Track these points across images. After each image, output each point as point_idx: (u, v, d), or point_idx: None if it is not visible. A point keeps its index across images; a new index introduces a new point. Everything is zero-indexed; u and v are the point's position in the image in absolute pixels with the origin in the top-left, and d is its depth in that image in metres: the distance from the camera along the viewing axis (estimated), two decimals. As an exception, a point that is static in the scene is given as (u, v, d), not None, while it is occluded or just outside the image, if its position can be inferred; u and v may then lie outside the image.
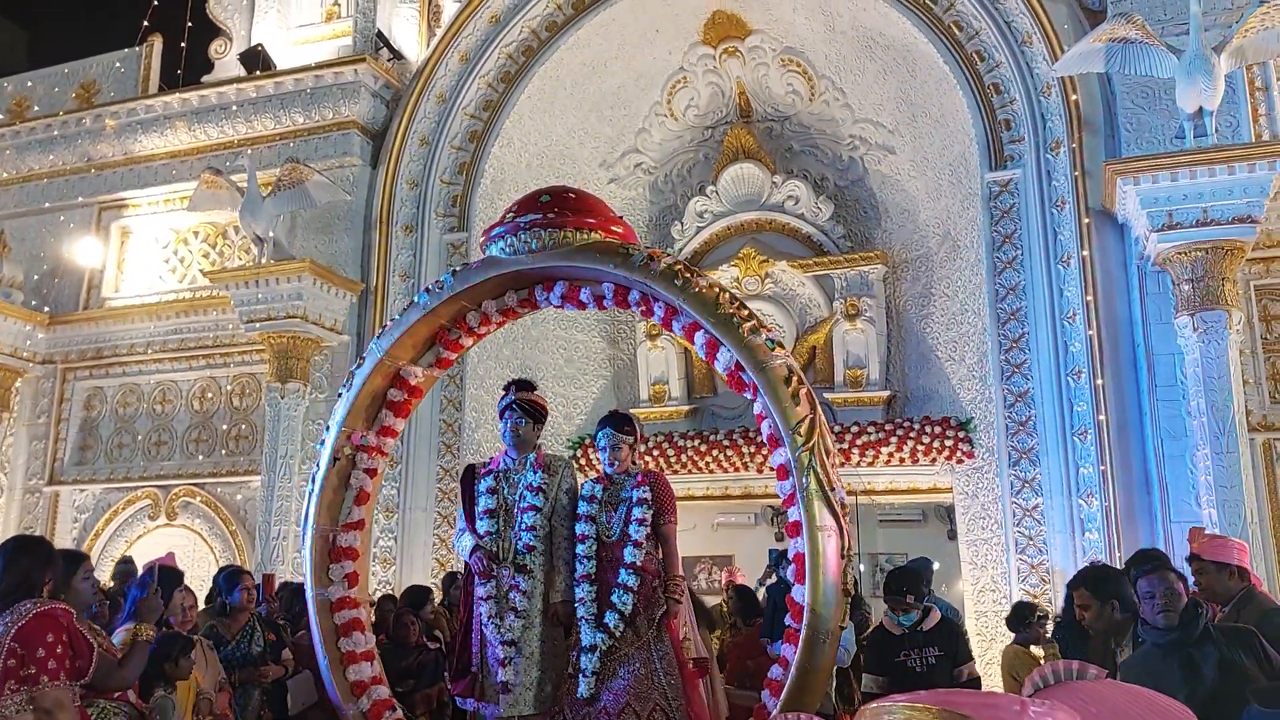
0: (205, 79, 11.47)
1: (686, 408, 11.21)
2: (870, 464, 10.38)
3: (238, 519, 10.35)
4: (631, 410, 8.00)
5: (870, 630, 6.46)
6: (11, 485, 11.32)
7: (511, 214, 5.18)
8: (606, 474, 4.99)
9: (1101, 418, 7.76)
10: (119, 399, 11.25)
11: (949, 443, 9.72)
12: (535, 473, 5.02)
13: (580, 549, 4.82)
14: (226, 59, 11.60)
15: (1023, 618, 6.87)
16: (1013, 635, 6.75)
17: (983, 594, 9.32)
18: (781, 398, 4.54)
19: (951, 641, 5.71)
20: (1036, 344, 8.41)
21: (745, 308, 4.84)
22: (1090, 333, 7.90)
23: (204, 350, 10.90)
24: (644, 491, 4.83)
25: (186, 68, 11.67)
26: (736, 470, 10.66)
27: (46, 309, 11.43)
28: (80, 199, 11.73)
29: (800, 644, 4.40)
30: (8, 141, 11.93)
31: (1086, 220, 8.07)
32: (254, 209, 9.80)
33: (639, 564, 4.69)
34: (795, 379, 4.61)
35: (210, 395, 10.87)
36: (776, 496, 10.68)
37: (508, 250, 5.12)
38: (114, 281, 11.58)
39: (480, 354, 10.39)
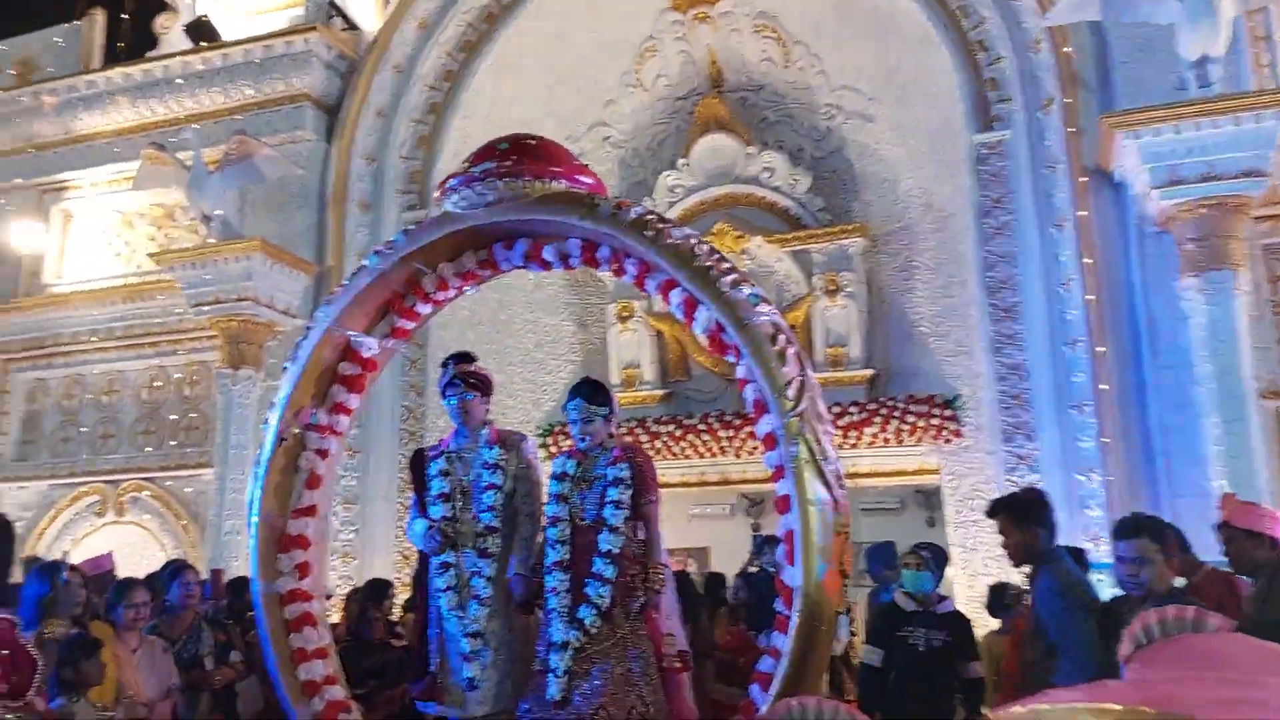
0: (150, 54, 10.86)
1: (660, 392, 10.73)
2: (853, 446, 9.95)
3: (189, 513, 9.79)
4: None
5: (880, 604, 6.08)
6: (-48, 483, 10.70)
7: (467, 164, 4.69)
8: (579, 449, 4.50)
9: (1103, 387, 7.36)
10: (63, 391, 10.66)
11: (935, 421, 9.31)
12: (490, 449, 4.56)
13: (551, 533, 4.33)
14: (172, 34, 11.02)
15: (1000, 600, 6.50)
16: (998, 624, 6.35)
17: (975, 579, 8.92)
18: (766, 358, 4.09)
19: (961, 633, 5.32)
20: (1030, 313, 8.02)
21: (725, 260, 4.38)
22: (1089, 298, 7.49)
23: (152, 338, 10.32)
24: (621, 469, 4.35)
25: (130, 43, 11.10)
26: (714, 455, 10.21)
27: (-16, 297, 10.82)
28: (19, 180, 11.12)
29: (792, 631, 3.95)
30: (-59, 122, 11.30)
31: (1083, 180, 7.66)
32: (200, 185, 9.24)
33: (615, 551, 4.20)
34: (782, 337, 4.16)
35: (159, 385, 10.29)
36: (757, 482, 10.46)
37: (463, 204, 4.64)
38: (56, 267, 10.98)
39: (444, 337, 9.87)
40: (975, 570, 8.93)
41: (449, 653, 4.40)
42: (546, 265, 4.77)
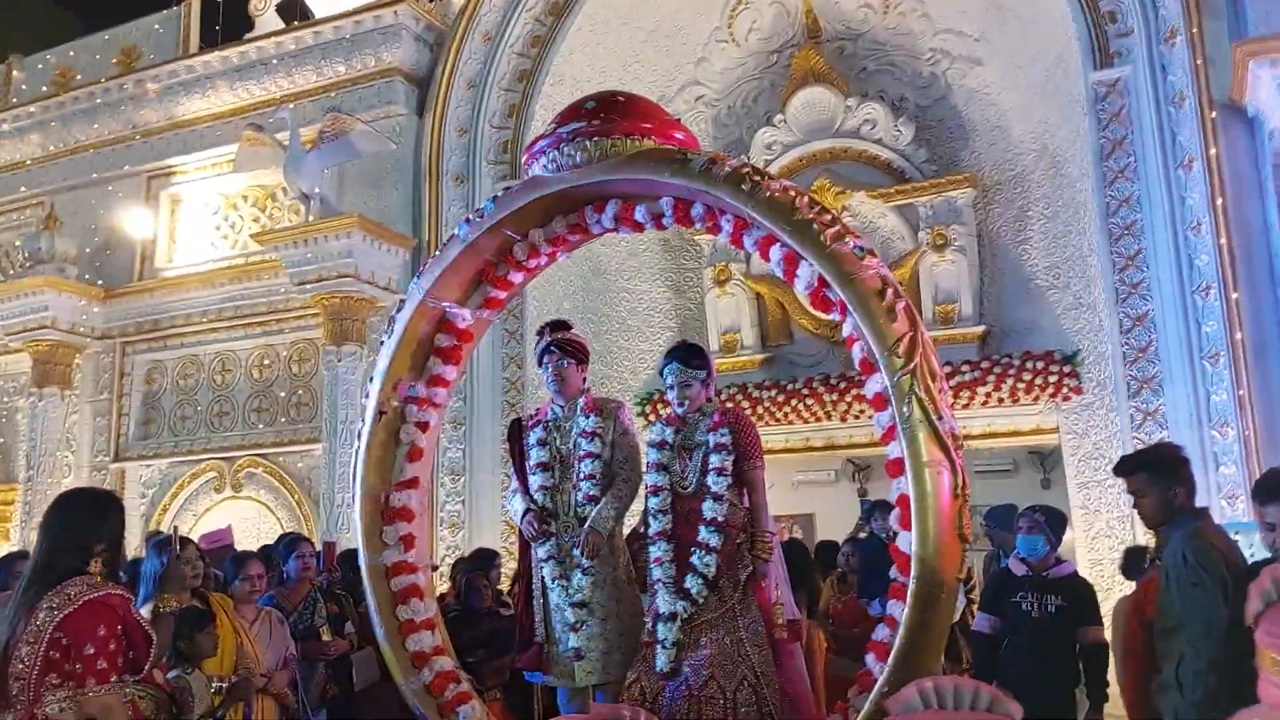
0: (246, 36, 11.00)
1: (760, 357, 10.47)
2: (965, 406, 9.57)
3: (302, 488, 9.99)
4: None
5: (993, 571, 5.83)
6: (79, 464, 11.13)
7: (554, 125, 4.54)
8: (677, 415, 4.35)
9: (1238, 336, 6.87)
10: (179, 371, 10.95)
11: (1053, 379, 8.88)
12: (588, 417, 4.44)
13: (653, 502, 4.20)
14: (265, 16, 11.12)
15: (1136, 563, 6.16)
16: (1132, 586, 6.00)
17: (1097, 540, 8.52)
18: (874, 313, 3.85)
19: (1079, 598, 5.03)
20: (1155, 260, 7.51)
21: (827, 212, 4.15)
22: (1221, 241, 6.98)
23: (259, 317, 10.51)
24: (722, 435, 4.19)
25: (225, 27, 11.26)
26: (818, 420, 9.94)
27: (101, 283, 11.15)
28: (128, 168, 11.40)
29: (910, 600, 3.73)
30: (53, 114, 11.65)
31: (1213, 115, 7.12)
32: (297, 164, 9.32)
33: (721, 519, 4.05)
34: (890, 291, 3.92)
35: (268, 363, 10.49)
36: (862, 446, 10.14)
37: (551, 167, 4.49)
38: (167, 251, 11.25)
39: (540, 308, 9.81)
40: (1098, 532, 8.53)
41: (554, 623, 4.32)
42: (638, 226, 4.60)
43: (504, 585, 7.25)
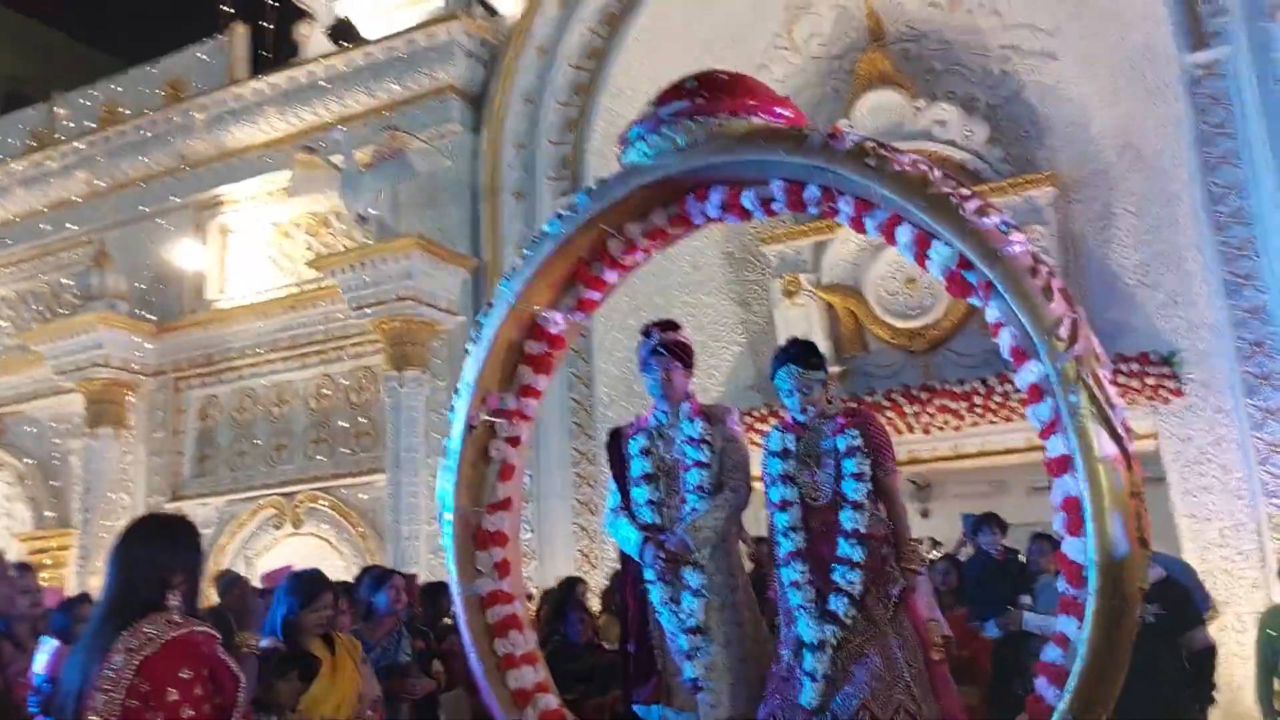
0: (293, 60, 10.83)
1: (836, 370, 10.03)
2: (1055, 415, 9.10)
3: (365, 521, 9.64)
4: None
5: None
6: (135, 504, 10.85)
7: (652, 106, 4.19)
8: (797, 422, 3.93)
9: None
10: (234, 405, 10.70)
11: (1150, 381, 8.36)
12: (694, 423, 4.03)
13: (783, 519, 3.77)
14: (313, 40, 10.95)
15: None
16: None
17: (1208, 551, 7.97)
18: (1028, 293, 3.46)
19: (1178, 603, 4.57)
20: (1267, 247, 7.04)
21: (964, 185, 3.77)
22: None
23: (316, 346, 10.23)
24: (852, 438, 3.77)
25: (274, 53, 11.10)
26: (899, 433, 9.45)
27: (153, 318, 10.95)
28: (176, 200, 11.24)
29: (1093, 617, 3.30)
30: (99, 148, 11.53)
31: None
32: (354, 185, 9.07)
33: (863, 530, 3.63)
34: (1044, 269, 3.53)
35: (327, 393, 10.20)
36: (925, 462, 9.61)
37: (650, 152, 4.14)
38: (218, 283, 11.04)
39: (606, 325, 9.46)
40: (1209, 542, 7.99)
41: (670, 651, 3.91)
42: (746, 214, 4.23)
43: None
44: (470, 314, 9.44)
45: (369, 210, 9.12)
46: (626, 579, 4.24)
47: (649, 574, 3.95)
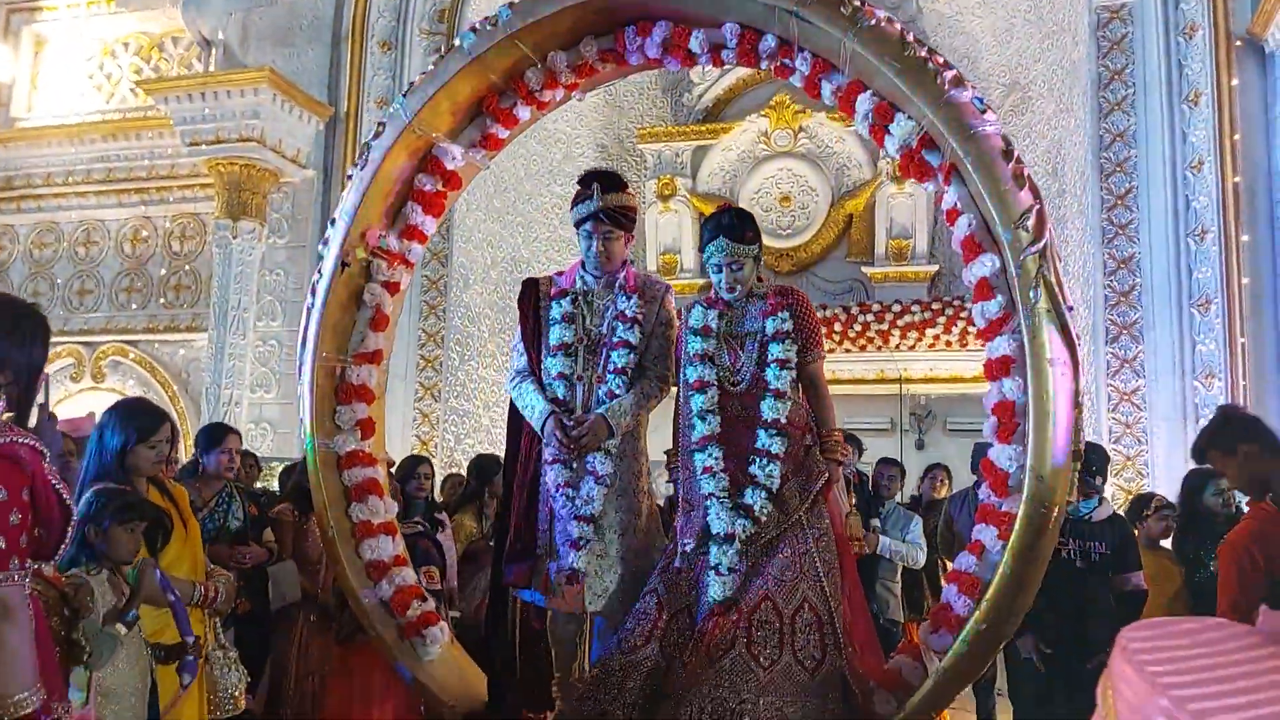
0: None
1: (701, 281, 9.78)
2: (911, 348, 9.15)
3: (179, 381, 8.73)
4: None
5: None
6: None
7: (602, -83, 3.65)
8: (722, 299, 3.54)
9: (1245, 281, 6.53)
10: (33, 238, 9.46)
11: (1009, 322, 8.46)
12: (629, 298, 3.57)
13: (699, 401, 3.38)
14: None
15: (1139, 511, 5.74)
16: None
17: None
18: (998, 178, 3.17)
19: (1121, 541, 4.51)
20: (1148, 200, 7.11)
21: (939, 54, 3.42)
22: (1236, 180, 6.60)
23: (137, 183, 9.10)
24: (781, 320, 3.41)
25: None
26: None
27: (-58, 128, 9.53)
28: (-17, -3, 9.77)
29: (1020, 523, 3.10)
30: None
31: (1238, 43, 6.70)
32: (199, 2, 7.99)
33: (784, 420, 3.30)
34: (1015, 156, 3.24)
35: (145, 236, 9.13)
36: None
37: (589, -33, 3.60)
38: (26, 99, 9.67)
39: (465, 205, 8.79)
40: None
41: (555, 535, 3.51)
42: (690, 59, 3.75)
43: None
44: (321, 169, 8.59)
45: (216, 33, 8.08)
46: (517, 453, 3.76)
47: (548, 453, 3.51)
